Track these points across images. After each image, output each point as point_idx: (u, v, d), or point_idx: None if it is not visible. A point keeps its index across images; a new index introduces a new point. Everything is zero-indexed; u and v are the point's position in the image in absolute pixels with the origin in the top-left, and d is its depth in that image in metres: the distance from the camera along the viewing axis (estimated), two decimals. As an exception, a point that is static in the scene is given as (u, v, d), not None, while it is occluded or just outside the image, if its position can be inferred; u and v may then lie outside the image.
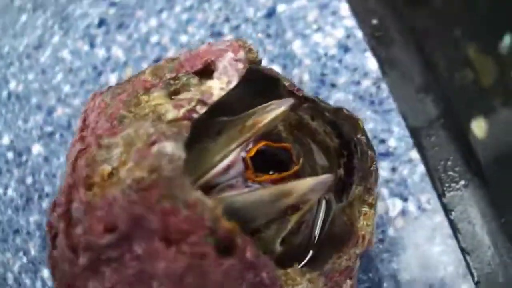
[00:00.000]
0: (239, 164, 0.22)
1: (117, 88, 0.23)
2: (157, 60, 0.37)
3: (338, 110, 0.25)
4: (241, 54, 0.22)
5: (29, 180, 0.38)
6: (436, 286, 0.29)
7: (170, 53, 0.37)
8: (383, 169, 0.31)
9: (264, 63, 0.34)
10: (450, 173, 0.31)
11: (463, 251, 0.30)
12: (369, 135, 0.30)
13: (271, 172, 0.23)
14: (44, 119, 0.39)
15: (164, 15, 0.39)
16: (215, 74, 0.21)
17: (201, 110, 0.20)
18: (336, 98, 0.33)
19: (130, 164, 0.18)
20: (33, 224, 0.37)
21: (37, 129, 0.39)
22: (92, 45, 0.40)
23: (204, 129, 0.23)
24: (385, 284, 0.29)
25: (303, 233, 0.24)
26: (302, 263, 0.24)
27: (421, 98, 0.33)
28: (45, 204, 0.37)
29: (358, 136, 0.24)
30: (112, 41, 0.40)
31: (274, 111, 0.22)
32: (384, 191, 0.31)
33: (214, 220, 0.17)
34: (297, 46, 0.35)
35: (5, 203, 0.38)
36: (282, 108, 0.22)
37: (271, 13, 0.36)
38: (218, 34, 0.37)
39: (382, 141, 0.32)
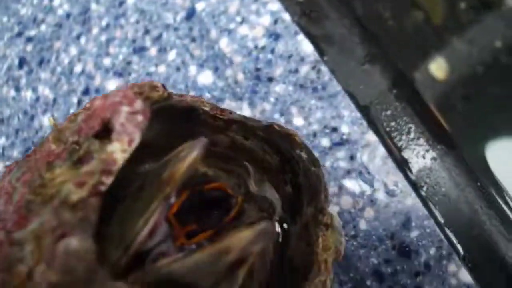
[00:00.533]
0: (163, 225, 0.20)
1: (22, 165, 0.20)
2: (85, 92, 0.35)
3: (268, 128, 0.22)
4: (138, 104, 0.19)
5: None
6: (423, 273, 0.27)
7: (97, 80, 0.34)
8: (341, 159, 0.29)
9: (194, 69, 0.31)
10: (414, 147, 0.29)
11: (443, 227, 0.27)
12: (318, 125, 0.28)
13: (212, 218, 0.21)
14: (-12, 179, 0.37)
15: (82, 40, 0.36)
16: (114, 136, 0.18)
17: (108, 180, 0.17)
18: (276, 92, 0.30)
19: (42, 265, 0.16)
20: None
21: (-18, 191, 0.37)
22: (17, 88, 0.37)
23: (126, 180, 0.21)
24: (368, 282, 0.27)
25: (258, 279, 0.22)
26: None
27: (366, 71, 0.30)
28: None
29: (297, 152, 0.22)
30: (37, 80, 0.37)
31: (187, 158, 0.19)
32: (347, 183, 0.29)
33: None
34: (224, 44, 0.32)
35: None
36: (194, 154, 0.19)
37: (191, 14, 0.33)
38: (141, 49, 0.34)
39: (334, 129, 0.29)
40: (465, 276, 0.27)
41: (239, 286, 0.20)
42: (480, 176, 0.29)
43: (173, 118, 0.23)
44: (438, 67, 0.33)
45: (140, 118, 0.19)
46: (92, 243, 0.16)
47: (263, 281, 0.22)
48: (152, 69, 0.33)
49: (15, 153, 0.36)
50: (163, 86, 0.21)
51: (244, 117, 0.23)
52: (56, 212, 0.17)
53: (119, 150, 0.18)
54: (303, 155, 0.22)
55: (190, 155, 0.19)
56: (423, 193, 0.28)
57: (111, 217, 0.20)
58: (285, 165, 0.24)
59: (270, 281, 0.23)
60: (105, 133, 0.19)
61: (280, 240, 0.24)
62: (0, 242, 0.18)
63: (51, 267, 0.16)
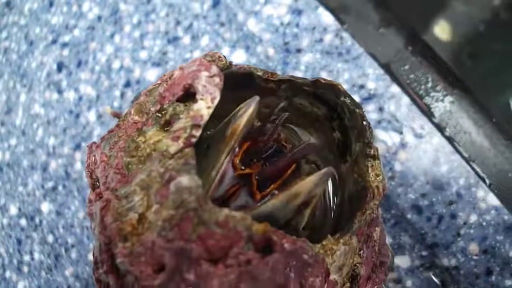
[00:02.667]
0: (230, 170, 0.24)
1: (111, 137, 0.24)
2: (126, 85, 0.38)
3: (315, 82, 0.26)
4: (214, 69, 0.22)
5: (50, 238, 0.39)
6: (456, 201, 0.31)
7: (136, 73, 0.38)
8: (371, 112, 0.32)
9: (227, 50, 0.35)
10: (433, 94, 0.32)
11: (468, 161, 0.31)
12: (347, 85, 0.32)
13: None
14: (42, 177, 0.40)
15: (117, 38, 0.39)
16: (198, 96, 0.22)
17: (197, 132, 0.21)
18: (305, 61, 0.34)
19: (155, 206, 0.19)
20: (71, 277, 0.38)
21: (39, 189, 0.40)
22: (59, 91, 0.40)
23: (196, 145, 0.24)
24: (408, 216, 0.31)
25: (321, 214, 0.26)
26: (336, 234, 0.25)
27: (383, 33, 0.34)
28: (74, 254, 0.38)
29: (342, 99, 0.25)
30: (78, 80, 0.40)
31: (245, 114, 0.23)
32: (379, 132, 0.32)
33: (248, 228, 0.19)
34: (252, 25, 0.36)
35: (36, 268, 0.39)
36: (251, 109, 0.23)
37: (216, 2, 0.37)
38: (175, 39, 0.37)
39: (362, 86, 0.33)
40: (493, 199, 0.31)
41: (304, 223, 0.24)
42: (494, 114, 0.32)
43: (229, 86, 0.26)
44: (441, 30, 0.37)
45: (217, 79, 0.23)
46: (198, 179, 0.20)
47: (322, 217, 0.26)
48: (188, 55, 0.37)
49: (66, 150, 0.39)
50: (224, 57, 0.25)
51: (291, 76, 0.27)
52: (160, 162, 0.21)
53: (204, 107, 0.22)
54: (347, 100, 0.26)
55: (247, 111, 0.23)
56: (447, 134, 0.32)
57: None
58: (332, 113, 0.27)
59: (333, 212, 0.27)
60: (186, 97, 0.23)
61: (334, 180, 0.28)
62: (107, 199, 0.21)
63: (164, 205, 0.19)
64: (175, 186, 0.19)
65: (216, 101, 0.22)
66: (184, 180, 0.19)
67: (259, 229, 0.19)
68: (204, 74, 0.22)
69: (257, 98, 0.24)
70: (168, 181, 0.20)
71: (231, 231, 0.19)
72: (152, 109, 0.23)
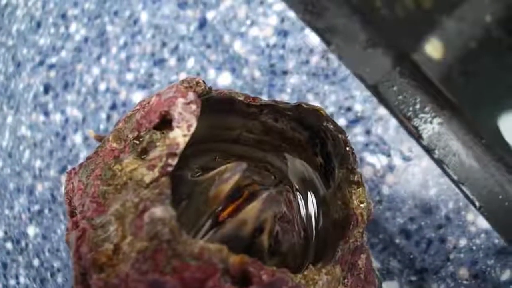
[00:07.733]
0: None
1: (88, 165, 0.23)
2: (113, 107, 0.38)
3: (297, 107, 0.26)
4: (191, 95, 0.22)
5: (36, 262, 0.38)
6: (444, 225, 0.30)
7: (122, 95, 0.37)
8: (359, 134, 0.32)
9: (213, 72, 0.34)
10: (421, 115, 0.32)
11: (457, 183, 0.31)
12: (334, 108, 0.31)
13: None
14: (29, 200, 0.39)
15: (103, 60, 0.39)
16: (174, 124, 0.21)
17: (173, 161, 0.20)
18: (291, 83, 0.34)
19: (129, 237, 0.19)
20: (56, 302, 0.37)
21: (25, 212, 0.39)
22: (46, 113, 0.40)
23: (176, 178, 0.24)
24: (397, 240, 0.31)
25: (288, 239, 0.25)
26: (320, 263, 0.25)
27: (370, 54, 0.34)
28: (60, 279, 0.37)
29: (324, 124, 0.25)
30: (64, 102, 0.40)
31: (230, 180, 0.23)
32: (367, 155, 0.32)
33: (223, 260, 0.18)
34: (238, 47, 0.35)
35: (22, 292, 0.39)
36: (236, 177, 0.23)
37: (203, 24, 0.37)
38: (161, 61, 0.37)
39: (348, 109, 0.32)
40: (483, 222, 0.30)
41: (267, 250, 0.23)
42: (484, 135, 0.32)
43: (212, 110, 0.26)
44: (433, 48, 0.37)
45: (194, 106, 0.22)
46: (172, 210, 0.19)
47: (296, 239, 0.26)
48: (174, 77, 0.36)
49: (52, 173, 0.39)
50: (204, 82, 0.24)
51: (274, 100, 0.27)
52: (135, 191, 0.20)
53: (180, 135, 0.21)
54: (330, 126, 0.25)
55: (232, 178, 0.23)
56: (435, 156, 0.31)
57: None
58: (314, 139, 0.27)
59: (318, 237, 0.26)
60: (163, 124, 0.23)
61: (315, 205, 0.27)
62: (83, 229, 0.21)
63: (138, 237, 0.19)
64: (149, 217, 0.19)
65: (192, 129, 0.22)
66: (158, 211, 0.19)
67: (236, 261, 0.18)
68: (181, 101, 0.22)
69: (243, 165, 0.24)
70: (143, 211, 0.19)
71: (206, 263, 0.18)
72: (130, 136, 0.23)
